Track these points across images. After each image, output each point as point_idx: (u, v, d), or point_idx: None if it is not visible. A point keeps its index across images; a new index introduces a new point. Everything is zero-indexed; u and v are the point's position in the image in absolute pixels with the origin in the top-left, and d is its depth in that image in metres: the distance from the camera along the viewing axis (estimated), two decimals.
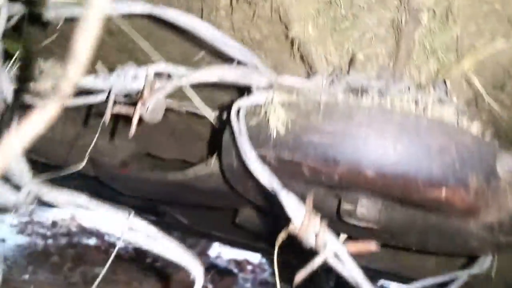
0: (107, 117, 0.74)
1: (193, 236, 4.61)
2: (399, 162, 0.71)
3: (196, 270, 0.63)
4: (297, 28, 1.02)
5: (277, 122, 0.78)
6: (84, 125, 1.48)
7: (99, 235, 4.96)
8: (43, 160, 1.66)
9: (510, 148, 1.09)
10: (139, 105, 0.73)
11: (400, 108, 0.74)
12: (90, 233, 4.96)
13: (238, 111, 0.83)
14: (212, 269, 4.06)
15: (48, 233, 4.35)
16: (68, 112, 1.45)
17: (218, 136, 1.04)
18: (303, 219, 0.67)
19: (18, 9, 0.85)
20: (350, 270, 0.65)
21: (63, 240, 3.93)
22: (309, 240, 0.68)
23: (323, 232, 0.67)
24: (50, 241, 3.82)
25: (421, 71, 0.95)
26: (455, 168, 0.71)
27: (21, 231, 4.13)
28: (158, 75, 0.78)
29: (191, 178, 1.29)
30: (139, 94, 0.74)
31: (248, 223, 1.76)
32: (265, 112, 0.79)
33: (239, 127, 0.80)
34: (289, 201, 0.69)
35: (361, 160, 0.72)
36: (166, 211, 3.36)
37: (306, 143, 0.76)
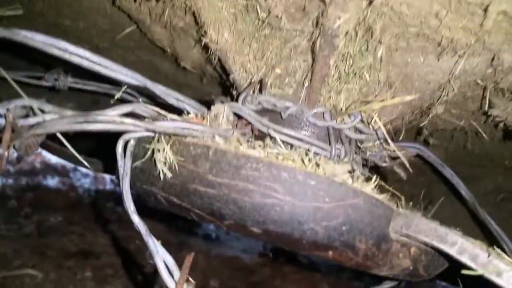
0: None
1: None
2: (284, 223, 0.67)
3: None
4: (213, 34, 0.92)
5: (164, 164, 0.72)
6: None
7: (63, 172, 4.93)
8: None
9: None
10: (3, 144, 0.66)
11: (291, 163, 0.68)
12: (54, 170, 4.93)
13: (126, 144, 0.76)
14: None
15: (11, 169, 4.29)
16: None
17: None
18: (176, 285, 0.64)
19: None
20: None
21: (23, 181, 3.89)
22: None
23: None
24: (10, 181, 3.77)
25: (339, 95, 0.88)
26: (342, 232, 0.67)
27: None
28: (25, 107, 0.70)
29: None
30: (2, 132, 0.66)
31: None
32: (152, 151, 0.73)
33: (124, 166, 0.73)
34: (163, 265, 0.65)
35: (246, 217, 0.67)
36: None
37: (193, 191, 0.70)
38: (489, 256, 0.60)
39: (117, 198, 4.17)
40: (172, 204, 0.74)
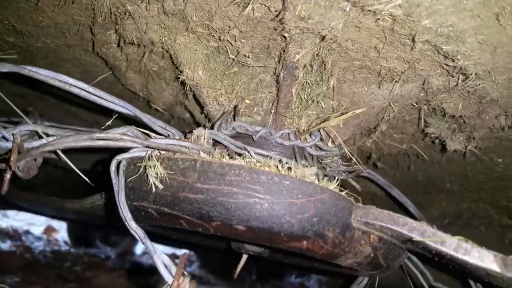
0: None
1: (117, 234, 4.54)
2: (264, 218, 0.78)
3: None
4: (188, 72, 1.05)
5: (156, 178, 0.82)
6: None
7: (16, 236, 4.74)
8: None
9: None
10: (8, 167, 0.74)
11: (268, 168, 0.81)
12: (5, 234, 4.73)
13: (119, 165, 0.85)
14: (136, 269, 4.04)
15: None
16: None
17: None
18: (173, 280, 0.72)
19: None
20: None
21: None
22: None
23: None
24: None
25: (301, 119, 1.03)
26: (313, 223, 0.79)
27: None
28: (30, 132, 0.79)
29: (88, 207, 1.30)
30: (9, 154, 0.75)
31: None
32: (144, 167, 0.83)
33: (118, 182, 0.83)
34: (161, 263, 0.74)
35: (231, 216, 0.78)
36: None
37: (183, 199, 0.80)
38: (433, 229, 0.74)
39: (74, 258, 4.05)
40: (162, 215, 0.83)
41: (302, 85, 0.99)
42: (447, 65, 0.88)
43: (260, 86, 1.06)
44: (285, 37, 0.88)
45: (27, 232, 5.04)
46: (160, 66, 1.24)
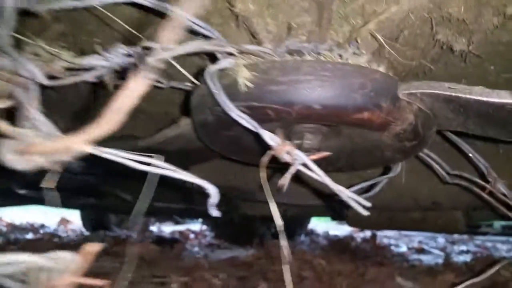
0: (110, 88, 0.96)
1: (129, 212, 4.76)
2: (334, 96, 1.02)
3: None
4: (240, 5, 1.28)
5: (244, 80, 1.05)
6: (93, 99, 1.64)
7: (34, 230, 4.90)
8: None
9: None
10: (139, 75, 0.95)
11: (330, 60, 1.05)
12: (23, 229, 4.89)
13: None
14: (160, 240, 4.27)
15: None
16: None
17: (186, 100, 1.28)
18: (278, 144, 0.96)
19: None
20: (316, 173, 0.95)
21: None
22: (284, 157, 0.97)
23: (292, 150, 0.97)
24: None
25: (338, 34, 1.27)
26: (371, 96, 1.04)
27: None
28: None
29: (160, 142, 1.51)
30: (135, 66, 0.96)
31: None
32: (233, 73, 1.06)
33: (215, 86, 1.05)
34: (267, 134, 0.97)
35: (309, 99, 1.02)
36: (107, 191, 3.49)
37: (268, 92, 1.03)
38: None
39: (99, 239, 4.26)
40: (251, 109, 1.06)
41: (339, 3, 1.23)
42: None
43: (302, 11, 1.29)
44: None
45: (43, 226, 5.22)
46: (208, 11, 1.45)
